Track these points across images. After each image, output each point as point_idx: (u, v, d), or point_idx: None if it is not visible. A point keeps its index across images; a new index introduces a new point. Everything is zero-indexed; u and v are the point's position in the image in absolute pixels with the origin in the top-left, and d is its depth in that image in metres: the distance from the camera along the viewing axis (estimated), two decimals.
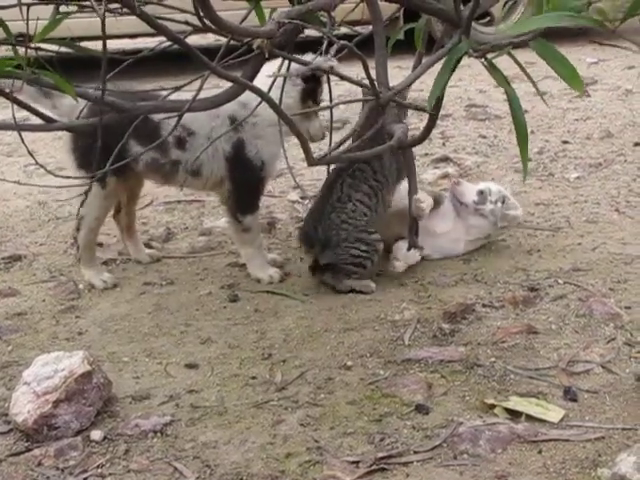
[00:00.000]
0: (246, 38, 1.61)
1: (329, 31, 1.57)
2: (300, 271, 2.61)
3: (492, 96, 4.75)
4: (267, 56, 1.55)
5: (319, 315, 2.31)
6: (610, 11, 1.37)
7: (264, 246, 2.65)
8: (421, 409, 1.84)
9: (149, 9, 1.79)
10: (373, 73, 2.39)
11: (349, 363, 2.05)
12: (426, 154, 3.77)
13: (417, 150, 3.64)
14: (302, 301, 2.41)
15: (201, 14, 1.47)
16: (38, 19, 1.59)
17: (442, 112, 4.42)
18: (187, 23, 1.56)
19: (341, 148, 2.08)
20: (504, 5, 5.97)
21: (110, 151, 1.81)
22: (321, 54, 1.57)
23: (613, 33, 1.32)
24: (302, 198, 3.25)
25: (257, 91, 1.61)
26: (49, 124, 1.77)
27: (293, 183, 3.23)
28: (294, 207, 3.19)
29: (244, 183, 2.46)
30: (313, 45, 2.17)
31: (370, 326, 2.23)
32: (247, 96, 1.85)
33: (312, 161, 1.78)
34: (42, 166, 1.78)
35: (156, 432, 1.79)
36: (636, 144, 3.82)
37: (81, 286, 2.56)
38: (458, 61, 1.84)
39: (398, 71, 5.04)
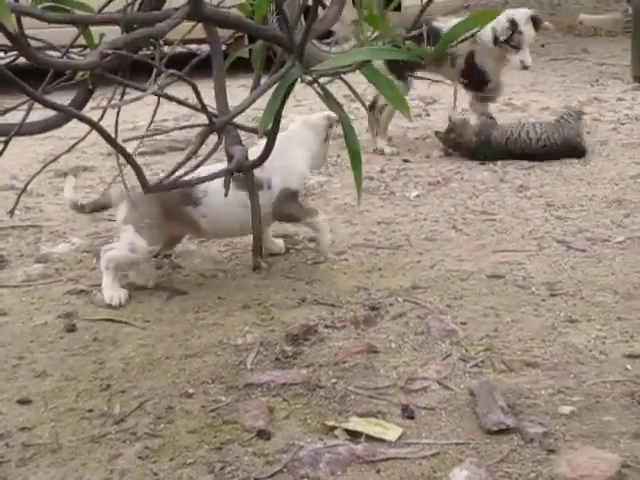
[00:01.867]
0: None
1: (158, 62, 1.55)
2: (141, 296, 2.56)
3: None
4: (91, 87, 1.51)
5: (160, 342, 2.27)
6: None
7: None
8: (262, 434, 1.83)
9: None
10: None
11: (190, 390, 2.02)
12: None
13: None
14: (143, 328, 2.36)
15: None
16: None
17: None
18: (5, 47, 1.50)
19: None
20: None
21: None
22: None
23: (424, 67, 1.38)
24: None
25: (87, 120, 1.56)
26: None
27: None
28: None
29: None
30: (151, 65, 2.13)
31: (212, 351, 2.21)
32: None
33: (147, 188, 1.74)
34: None
35: None
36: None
37: None
38: (292, 86, 1.86)
39: (243, 90, 5.05)
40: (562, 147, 3.84)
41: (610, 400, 1.91)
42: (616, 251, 2.79)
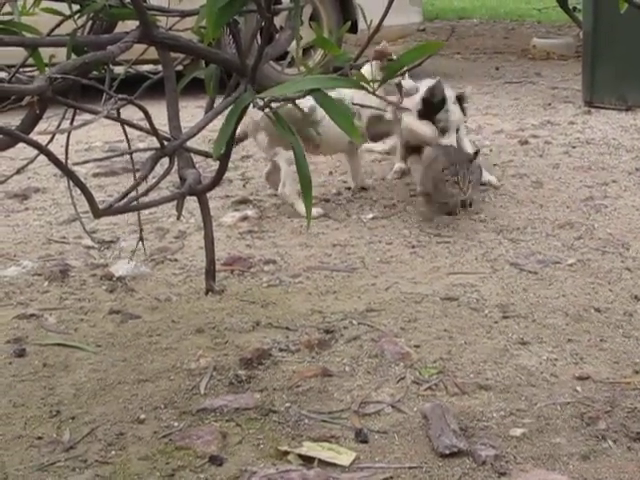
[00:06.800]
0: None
1: (108, 85, 1.54)
2: (94, 320, 2.53)
3: None
4: (38, 112, 1.49)
5: (113, 367, 2.24)
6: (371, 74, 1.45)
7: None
8: (215, 460, 1.82)
9: None
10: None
11: (142, 416, 2.00)
12: (227, 196, 3.77)
13: (217, 192, 3.66)
14: (95, 352, 2.33)
15: None
16: None
17: (243, 153, 4.47)
18: None
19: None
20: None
21: None
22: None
23: (374, 95, 1.40)
24: (99, 243, 3.16)
25: (34, 144, 1.54)
26: None
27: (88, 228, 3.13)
28: (89, 253, 3.09)
29: None
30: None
31: (166, 376, 2.19)
32: None
33: (97, 212, 1.72)
34: None
35: None
36: None
37: None
38: (245, 110, 1.86)
39: (200, 110, 5.03)
40: None
41: (560, 422, 1.93)
42: (567, 273, 2.83)
